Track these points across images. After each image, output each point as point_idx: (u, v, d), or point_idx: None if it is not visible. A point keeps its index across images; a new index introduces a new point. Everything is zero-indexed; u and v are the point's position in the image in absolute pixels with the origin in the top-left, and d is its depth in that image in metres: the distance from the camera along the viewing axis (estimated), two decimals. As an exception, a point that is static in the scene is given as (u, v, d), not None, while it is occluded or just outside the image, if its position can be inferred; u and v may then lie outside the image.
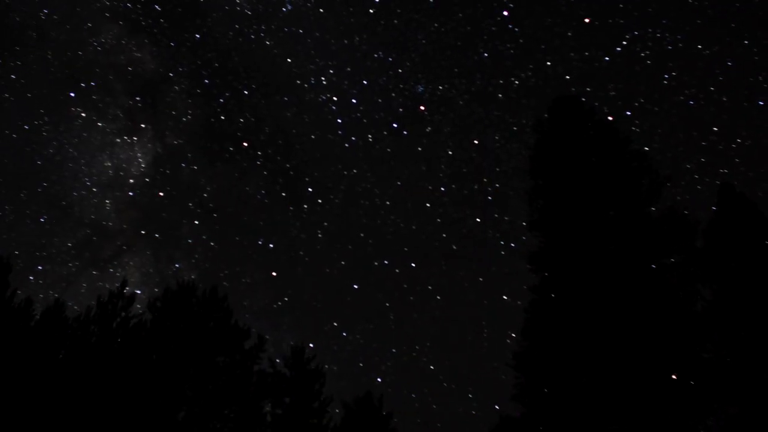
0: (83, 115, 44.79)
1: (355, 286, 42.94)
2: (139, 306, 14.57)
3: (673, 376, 13.81)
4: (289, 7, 46.78)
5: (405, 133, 47.36)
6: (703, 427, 13.88)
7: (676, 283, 14.43)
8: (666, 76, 37.20)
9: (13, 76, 43.20)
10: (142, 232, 45.92)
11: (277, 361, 14.82)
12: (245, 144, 49.96)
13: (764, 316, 14.03)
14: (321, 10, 47.45)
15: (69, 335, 13.93)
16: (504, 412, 14.92)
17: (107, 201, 44.49)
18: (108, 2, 45.20)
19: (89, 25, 45.86)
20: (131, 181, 45.48)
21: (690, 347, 14.14)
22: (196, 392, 14.24)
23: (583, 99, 15.14)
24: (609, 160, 14.66)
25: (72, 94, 45.98)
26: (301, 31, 48.55)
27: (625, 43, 38.82)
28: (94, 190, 44.15)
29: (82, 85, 47.13)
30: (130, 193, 45.16)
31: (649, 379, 13.52)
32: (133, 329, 14.14)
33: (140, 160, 45.45)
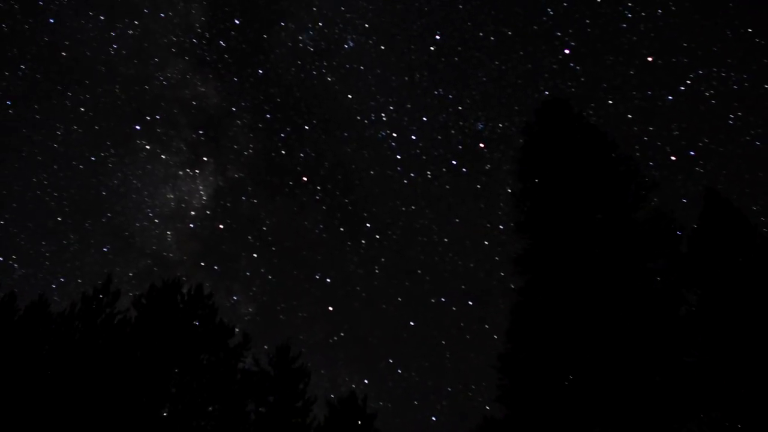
0: (148, 147, 45.55)
1: (412, 323, 42.26)
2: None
3: (657, 380, 13.89)
4: (351, 44, 47.73)
5: (464, 170, 46.94)
6: (685, 430, 13.94)
7: (661, 288, 14.49)
8: (731, 116, 36.74)
9: (81, 109, 43.84)
10: (202, 263, 46.17)
11: (264, 358, 14.76)
12: (305, 178, 50.26)
13: (747, 321, 14.11)
14: (382, 47, 48.14)
15: (53, 330, 13.88)
16: (489, 413, 14.96)
17: (168, 232, 44.96)
18: (174, 38, 46.20)
19: (156, 60, 47.08)
20: (192, 213, 45.92)
21: (673, 351, 14.20)
22: (180, 389, 14.20)
23: (570, 102, 15.18)
24: (596, 163, 14.71)
25: (137, 127, 46.73)
26: (362, 67, 49.27)
27: (689, 82, 38.29)
28: (156, 221, 44.63)
29: (148, 118, 47.87)
30: (191, 225, 45.62)
31: (632, 382, 13.57)
32: (117, 326, 14.10)
33: (202, 192, 46.12)
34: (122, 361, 13.77)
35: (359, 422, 14.48)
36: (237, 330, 14.52)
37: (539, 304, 14.03)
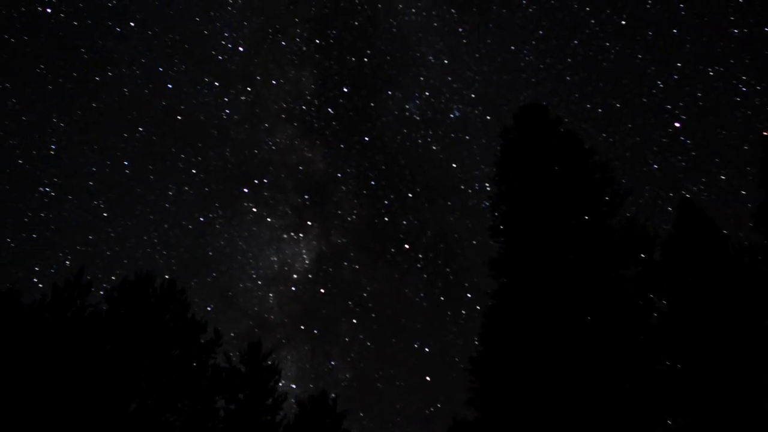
0: (254, 210, 46.21)
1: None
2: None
3: (627, 386, 13.96)
4: (457, 114, 48.19)
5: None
6: (653, 437, 14.03)
7: (633, 295, 14.59)
8: None
9: (193, 171, 44.56)
10: (302, 327, 45.94)
11: (232, 355, 14.73)
12: (407, 246, 49.58)
13: (716, 330, 14.22)
14: (488, 117, 48.26)
15: (22, 322, 13.76)
16: (459, 415, 14.99)
17: (271, 294, 45.35)
18: (284, 104, 47.05)
19: (266, 125, 48.19)
20: (295, 276, 46.43)
21: (644, 358, 14.30)
22: (150, 384, 14.12)
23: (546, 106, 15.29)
24: (572, 169, 14.81)
25: (245, 190, 47.35)
26: (467, 137, 49.72)
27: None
28: (259, 282, 45.00)
29: (255, 181, 48.50)
30: (293, 288, 45.89)
31: (601, 387, 13.64)
32: (88, 318, 14.00)
33: (305, 256, 46.63)
34: (91, 354, 13.68)
35: (328, 421, 14.48)
36: (209, 325, 14.48)
37: (511, 307, 14.09)
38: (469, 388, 14.53)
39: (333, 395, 15.00)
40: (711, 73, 40.91)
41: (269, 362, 14.70)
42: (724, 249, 14.70)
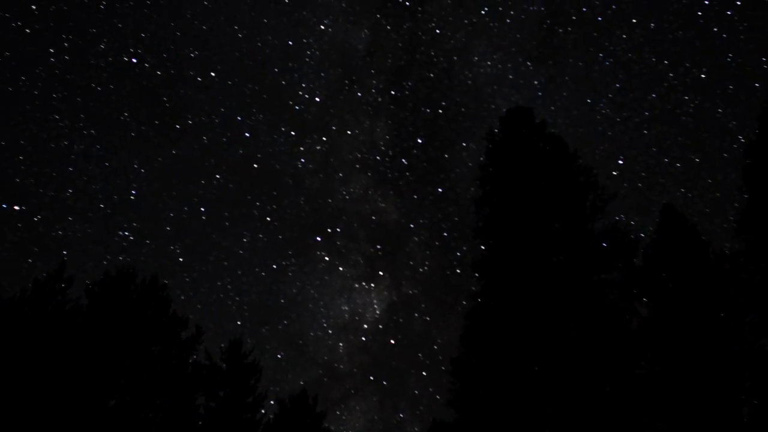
0: (327, 259, 46.33)
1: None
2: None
3: (606, 390, 14.01)
4: None
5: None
6: (630, 441, 14.07)
7: (614, 299, 14.64)
8: None
9: (268, 219, 44.71)
10: (371, 377, 45.57)
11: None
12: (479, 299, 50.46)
13: (696, 336, 14.31)
14: None
15: (1, 316, 13.68)
16: (438, 417, 15.01)
17: (341, 344, 45.20)
18: (359, 154, 47.16)
19: (340, 175, 48.09)
20: (365, 326, 46.33)
21: (623, 362, 14.35)
22: (129, 380, 14.06)
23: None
24: (556, 172, 14.84)
25: (318, 239, 47.45)
26: None
27: None
28: (329, 332, 45.06)
29: (329, 230, 48.51)
30: (363, 338, 45.66)
31: (581, 391, 13.67)
32: (68, 313, 13.93)
33: (375, 306, 46.42)
34: (71, 349, 13.60)
35: (308, 420, 14.45)
36: (191, 322, 14.43)
37: (493, 309, 14.10)
38: (450, 389, 14.55)
39: (314, 395, 14.98)
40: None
41: (250, 360, 14.64)
42: (704, 255, 14.79)
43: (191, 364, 14.21)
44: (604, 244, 14.59)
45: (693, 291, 14.50)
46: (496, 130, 15.53)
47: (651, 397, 14.28)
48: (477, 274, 14.77)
